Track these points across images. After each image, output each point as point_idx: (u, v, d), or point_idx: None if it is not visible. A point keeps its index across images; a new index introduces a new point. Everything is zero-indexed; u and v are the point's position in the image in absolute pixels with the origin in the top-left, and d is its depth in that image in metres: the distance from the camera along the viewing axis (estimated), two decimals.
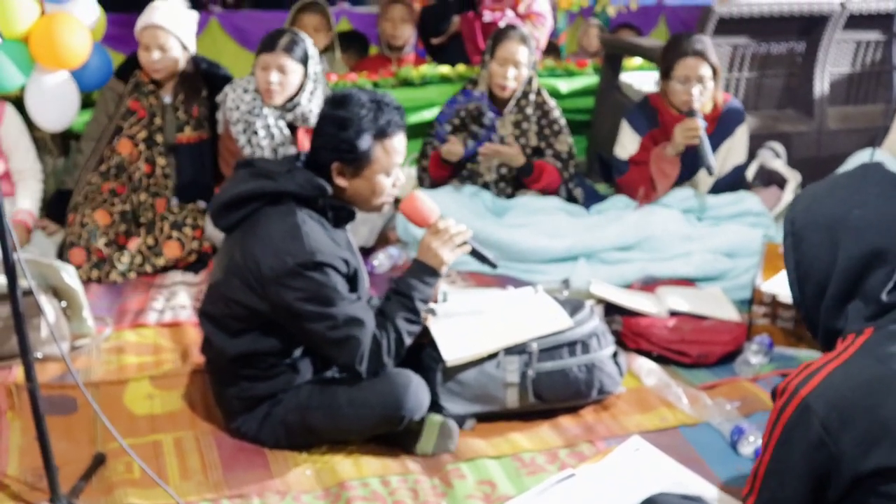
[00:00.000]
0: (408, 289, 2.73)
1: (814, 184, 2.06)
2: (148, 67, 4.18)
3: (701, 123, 4.00)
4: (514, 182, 4.48)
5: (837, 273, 1.87)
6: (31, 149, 4.30)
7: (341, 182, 2.71)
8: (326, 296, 2.58)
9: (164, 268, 4.10)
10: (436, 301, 3.14)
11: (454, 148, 4.34)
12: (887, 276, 1.83)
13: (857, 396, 1.71)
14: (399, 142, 2.75)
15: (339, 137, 2.66)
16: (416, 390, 2.69)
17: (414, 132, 4.86)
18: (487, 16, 5.27)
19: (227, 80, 4.30)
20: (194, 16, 4.30)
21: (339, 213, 2.76)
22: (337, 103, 2.70)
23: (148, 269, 4.06)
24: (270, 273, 2.56)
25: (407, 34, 5.54)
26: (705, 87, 4.07)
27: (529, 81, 4.42)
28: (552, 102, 4.52)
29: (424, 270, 2.76)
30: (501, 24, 4.80)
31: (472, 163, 4.42)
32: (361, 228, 4.17)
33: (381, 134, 2.69)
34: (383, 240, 4.35)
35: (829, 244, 1.89)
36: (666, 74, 4.16)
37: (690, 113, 4.05)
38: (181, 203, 4.22)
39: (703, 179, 4.23)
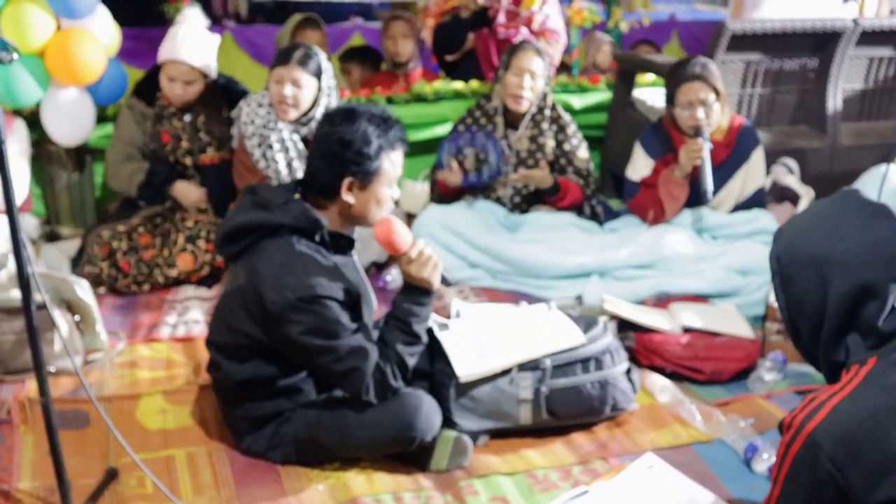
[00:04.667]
0: (404, 314, 2.72)
1: (794, 217, 2.05)
2: (172, 98, 4.20)
3: (705, 145, 4.00)
4: (530, 198, 4.47)
5: (830, 309, 1.86)
6: (25, 173, 4.22)
7: (349, 198, 2.71)
8: (329, 328, 2.58)
9: (177, 281, 4.10)
10: (448, 317, 3.14)
11: (451, 177, 4.35)
12: (879, 307, 1.83)
13: (863, 430, 1.70)
14: (402, 155, 2.79)
15: (353, 151, 2.65)
16: (428, 412, 2.69)
17: (427, 148, 4.88)
18: (502, 33, 5.27)
19: (244, 96, 4.30)
20: (216, 39, 4.28)
21: (338, 241, 2.76)
22: (343, 119, 2.70)
23: (160, 278, 4.07)
24: (273, 308, 2.57)
25: (410, 50, 5.54)
26: (710, 109, 4.06)
27: (544, 97, 4.42)
28: (567, 117, 4.51)
29: (417, 292, 2.74)
30: (516, 41, 4.81)
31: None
32: (374, 244, 4.17)
33: (390, 146, 2.72)
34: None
35: (819, 281, 1.88)
36: (670, 101, 4.16)
37: (696, 133, 4.04)
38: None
39: (724, 201, 4.22)
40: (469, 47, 5.42)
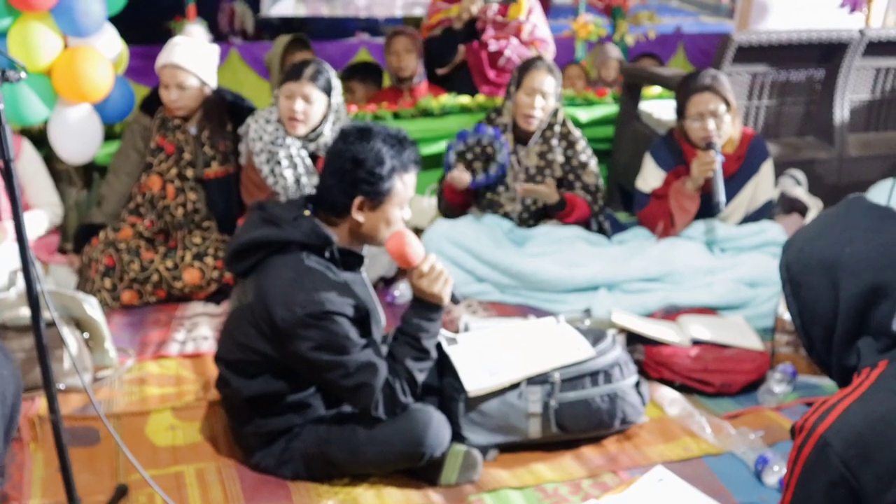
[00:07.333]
0: (413, 329, 2.72)
1: (802, 226, 2.05)
2: (168, 105, 4.20)
3: (717, 158, 3.99)
4: (538, 213, 4.45)
5: (842, 313, 1.85)
6: (48, 185, 4.29)
7: (359, 217, 2.71)
8: (338, 344, 2.58)
9: (183, 294, 4.11)
10: (457, 331, 3.14)
11: (458, 177, 4.31)
12: (891, 308, 1.82)
13: (875, 431, 1.69)
14: (414, 176, 2.78)
15: (365, 171, 2.65)
16: (437, 428, 2.69)
17: (434, 162, 4.88)
18: (493, 45, 5.28)
19: (251, 112, 4.30)
20: (215, 50, 4.30)
21: (348, 258, 2.76)
22: (357, 137, 2.68)
23: (164, 287, 4.07)
24: (282, 324, 2.57)
25: (413, 65, 5.51)
26: (721, 121, 4.06)
27: (555, 113, 4.40)
28: (577, 133, 4.48)
29: (427, 307, 2.74)
30: (507, 52, 4.81)
31: (492, 193, 4.41)
32: (382, 258, 4.18)
33: (403, 168, 2.71)
34: (404, 270, 4.34)
35: (829, 286, 1.87)
36: (681, 113, 4.16)
37: (708, 146, 4.04)
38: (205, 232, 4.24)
39: (733, 213, 4.22)
40: (459, 60, 5.43)
